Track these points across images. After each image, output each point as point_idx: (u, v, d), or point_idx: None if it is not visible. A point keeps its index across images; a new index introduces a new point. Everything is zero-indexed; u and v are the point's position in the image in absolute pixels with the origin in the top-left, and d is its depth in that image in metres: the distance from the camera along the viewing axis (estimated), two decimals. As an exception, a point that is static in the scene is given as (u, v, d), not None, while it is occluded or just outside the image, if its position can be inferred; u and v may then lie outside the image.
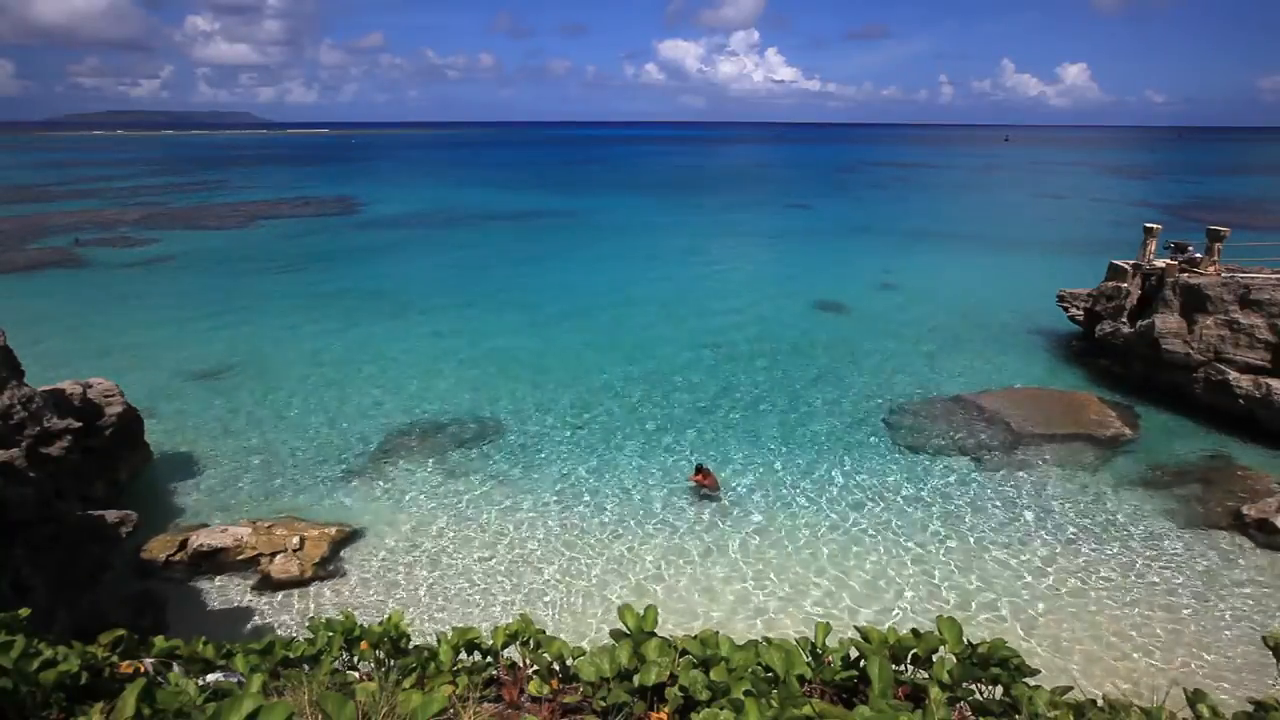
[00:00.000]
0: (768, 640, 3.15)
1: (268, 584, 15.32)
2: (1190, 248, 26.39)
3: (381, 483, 19.51)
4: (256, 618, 14.50)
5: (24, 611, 3.28)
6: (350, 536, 16.95)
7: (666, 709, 2.74)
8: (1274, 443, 21.11)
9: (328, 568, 15.81)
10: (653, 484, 19.38)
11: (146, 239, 58.84)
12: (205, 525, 17.16)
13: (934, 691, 2.68)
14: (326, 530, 16.80)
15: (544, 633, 3.51)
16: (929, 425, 22.73)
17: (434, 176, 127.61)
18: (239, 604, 14.93)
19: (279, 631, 13.90)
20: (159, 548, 16.18)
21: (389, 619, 3.77)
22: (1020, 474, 19.73)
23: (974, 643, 3.13)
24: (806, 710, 2.52)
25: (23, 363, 16.47)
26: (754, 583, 15.31)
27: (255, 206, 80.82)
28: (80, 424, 16.77)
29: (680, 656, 3.06)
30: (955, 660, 3.06)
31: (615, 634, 3.30)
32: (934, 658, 3.14)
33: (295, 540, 16.10)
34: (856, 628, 3.40)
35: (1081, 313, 29.67)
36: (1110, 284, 27.92)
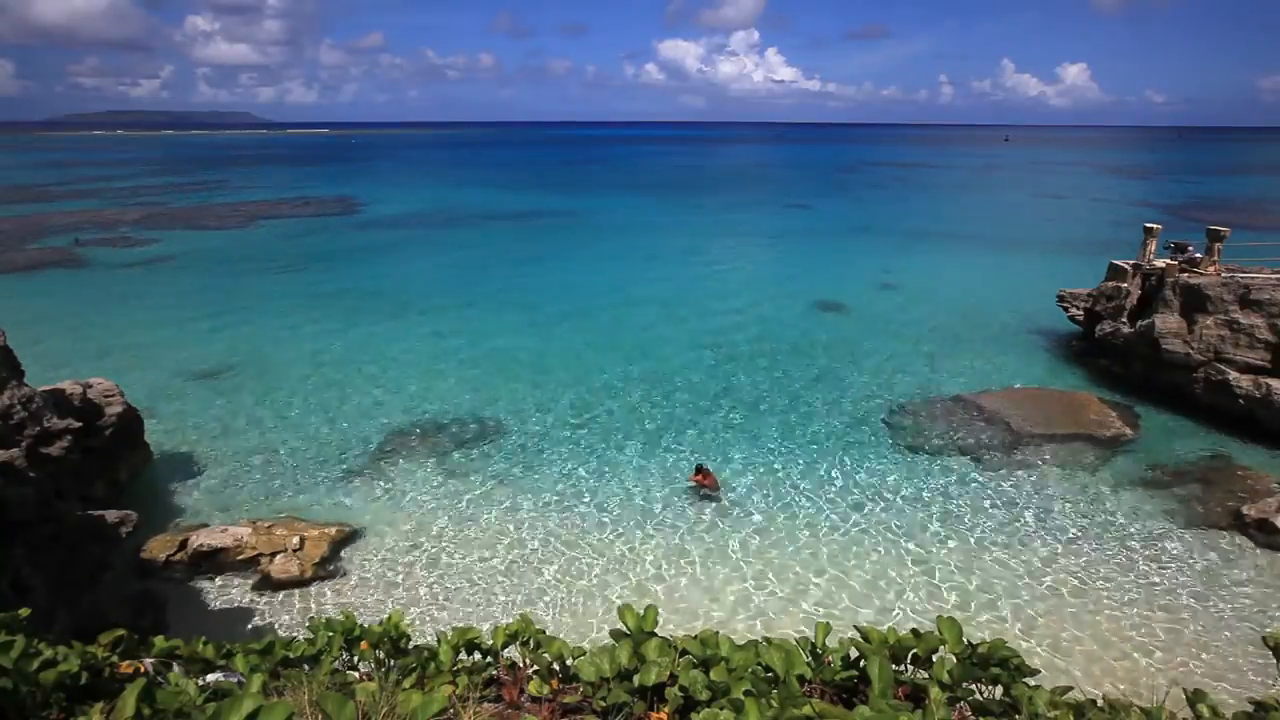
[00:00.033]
0: (768, 640, 3.15)
1: (268, 584, 15.32)
2: (1190, 248, 26.39)
3: (381, 483, 19.51)
4: (256, 618, 14.50)
5: (24, 611, 3.28)
6: (350, 536, 16.95)
7: (666, 709, 2.74)
8: (1274, 443, 21.11)
9: (328, 568, 15.82)
10: (653, 484, 19.38)
11: (146, 239, 58.84)
12: (205, 525, 17.16)
13: (934, 691, 2.68)
14: (326, 530, 16.80)
15: (544, 633, 3.52)
16: (929, 425, 22.73)
17: (434, 176, 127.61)
18: (239, 604, 14.93)
19: (279, 631, 13.91)
20: (159, 548, 16.18)
21: (389, 619, 3.77)
22: (1020, 474, 19.73)
23: (974, 643, 3.13)
24: (806, 710, 2.52)
25: (23, 363, 16.47)
26: (754, 583, 15.31)
27: (255, 206, 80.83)
28: (80, 424, 16.77)
29: (680, 656, 3.06)
30: (955, 660, 3.06)
31: (615, 634, 3.30)
32: (934, 658, 3.14)
33: (295, 540, 16.10)
34: (856, 628, 3.40)
35: (1081, 313, 29.67)
36: (1110, 284, 27.92)
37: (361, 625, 3.77)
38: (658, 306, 37.57)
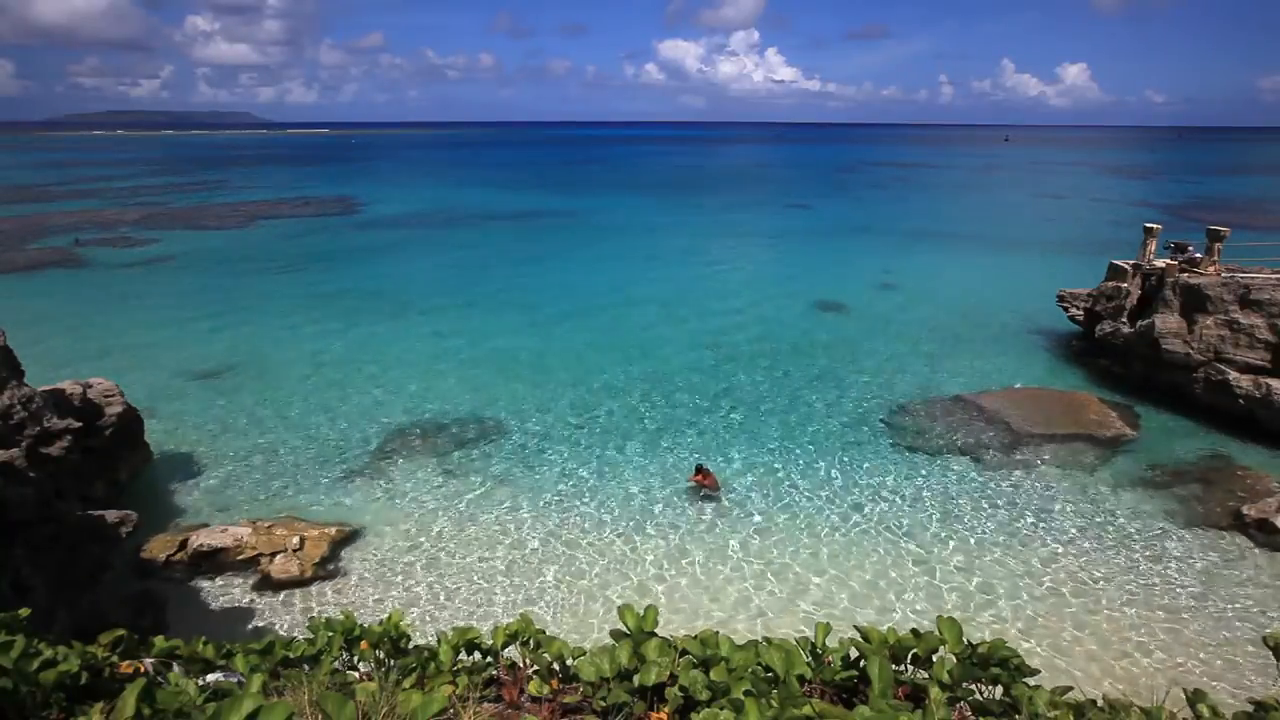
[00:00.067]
0: (768, 640, 3.15)
1: (268, 584, 15.32)
2: (1190, 248, 26.39)
3: (382, 483, 19.51)
4: (256, 618, 14.50)
5: (24, 611, 3.28)
6: (350, 536, 16.95)
7: (666, 709, 2.74)
8: (1274, 443, 21.11)
9: (328, 568, 15.82)
10: (653, 484, 19.38)
11: (146, 239, 58.84)
12: (205, 525, 17.16)
13: (934, 691, 2.68)
14: (326, 530, 16.80)
15: (544, 633, 3.51)
16: (929, 425, 22.73)
17: (434, 176, 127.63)
18: (239, 604, 14.94)
19: (279, 631, 13.92)
20: (159, 548, 16.19)
21: (389, 619, 3.77)
22: (1020, 474, 19.73)
23: (974, 643, 3.13)
24: (806, 710, 2.52)
25: (23, 363, 16.47)
26: (754, 582, 15.32)
27: (255, 206, 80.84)
28: (80, 424, 16.77)
29: (680, 656, 3.06)
30: (955, 660, 3.06)
31: (615, 634, 3.30)
32: (934, 658, 3.14)
33: (295, 540, 16.11)
34: (856, 628, 3.40)
35: (1081, 313, 29.67)
36: (1110, 284, 27.92)
37: (361, 625, 3.77)
38: (658, 306, 37.57)
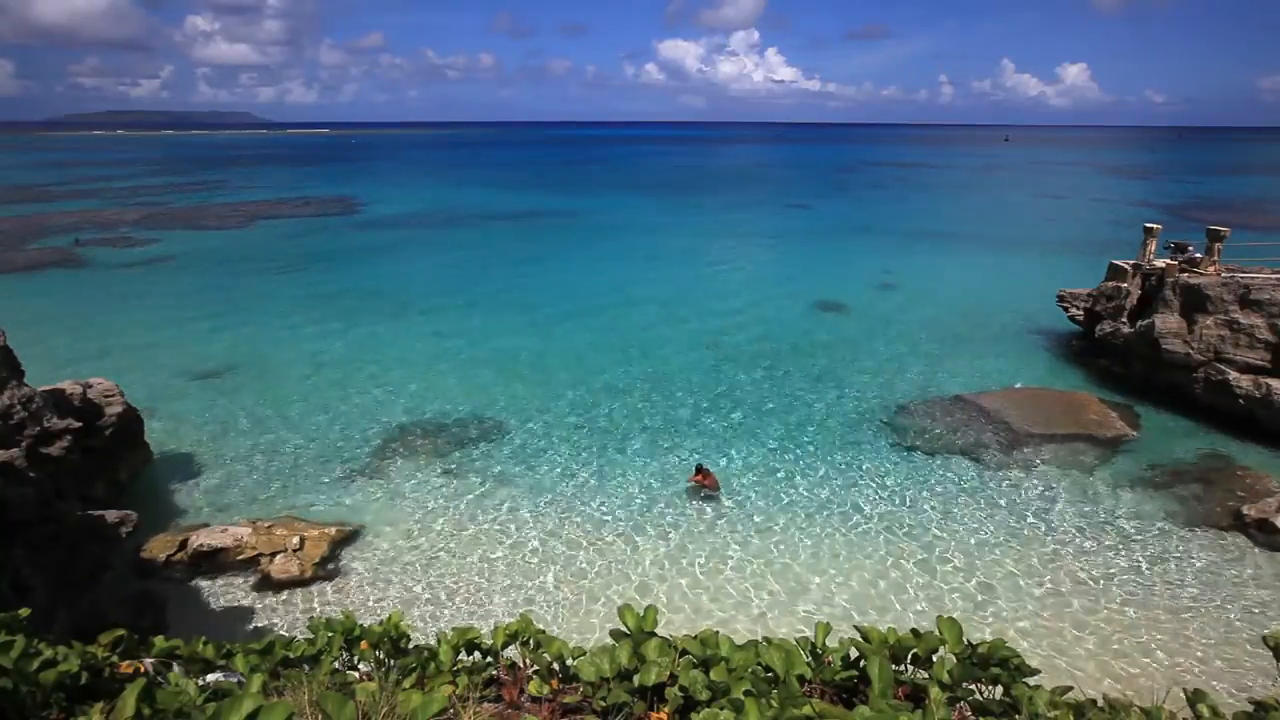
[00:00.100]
0: (768, 640, 3.14)
1: (268, 584, 15.32)
2: (1190, 248, 26.39)
3: (382, 483, 19.51)
4: (256, 618, 14.50)
5: (24, 611, 3.28)
6: (350, 536, 16.95)
7: (666, 709, 2.74)
8: (1274, 443, 21.11)
9: (328, 568, 15.82)
10: (653, 484, 19.38)
11: (146, 239, 58.85)
12: (205, 525, 17.16)
13: (934, 691, 2.68)
14: (326, 530, 16.80)
15: (544, 633, 3.51)
16: (929, 425, 22.73)
17: (434, 176, 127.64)
18: (239, 604, 14.94)
19: (279, 631, 13.91)
20: (159, 548, 16.19)
21: (389, 619, 3.77)
22: (1020, 474, 19.73)
23: (974, 643, 3.13)
24: (806, 710, 2.52)
25: (23, 363, 16.47)
26: (754, 582, 15.32)
27: (255, 206, 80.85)
28: (80, 424, 16.77)
29: (680, 656, 3.06)
30: (955, 660, 3.06)
31: (615, 634, 3.29)
32: (934, 658, 3.14)
33: (295, 540, 16.11)
34: (856, 627, 3.40)
35: (1081, 313, 29.68)
36: (1110, 284, 27.92)
37: (361, 625, 3.77)
38: (658, 306, 37.57)
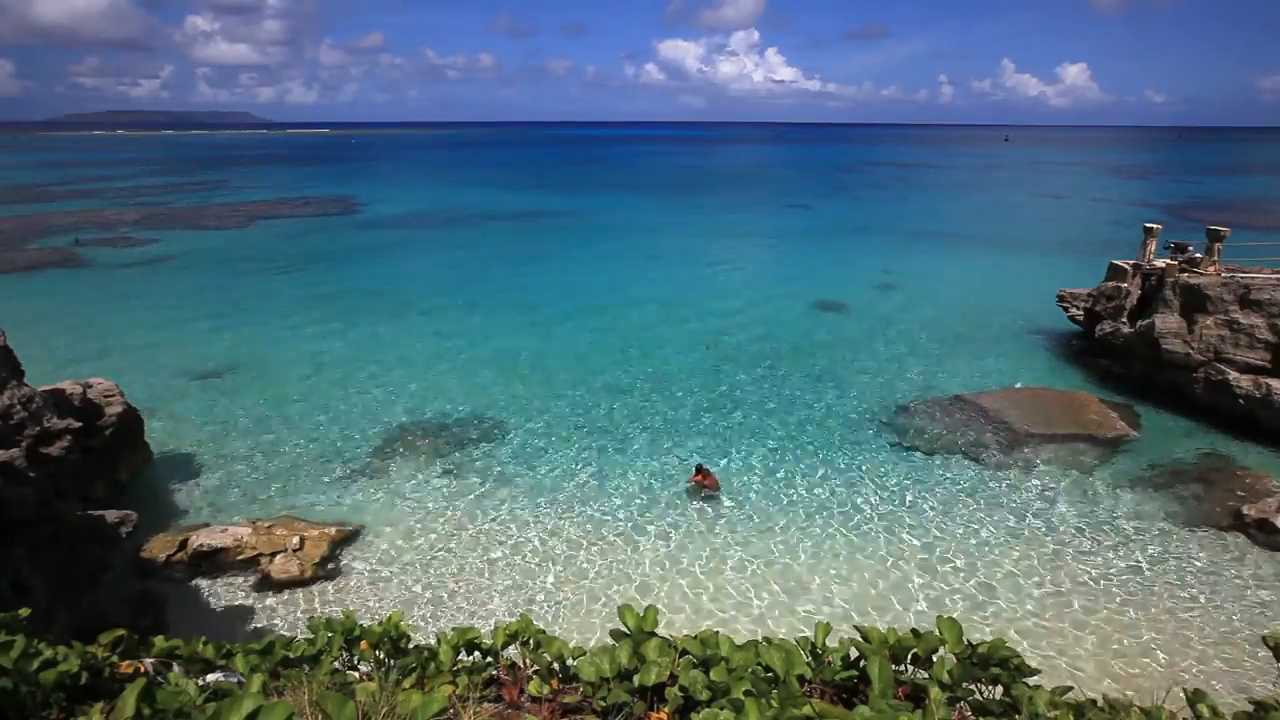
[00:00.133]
0: (768, 640, 3.15)
1: (268, 584, 15.32)
2: (1190, 248, 26.39)
3: (382, 483, 19.51)
4: (256, 618, 14.50)
5: (24, 611, 3.28)
6: (350, 536, 16.95)
7: (666, 709, 2.74)
8: (1274, 443, 21.11)
9: (328, 568, 15.82)
10: (653, 484, 19.38)
11: (146, 239, 58.85)
12: (205, 525, 17.16)
13: (934, 691, 2.68)
14: (326, 530, 16.80)
15: (544, 633, 3.51)
16: (929, 425, 22.73)
17: (434, 176, 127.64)
18: (239, 604, 14.94)
19: (279, 631, 13.91)
20: (159, 548, 16.19)
21: (389, 619, 3.77)
22: (1020, 474, 19.73)
23: (974, 643, 3.13)
24: (806, 710, 2.52)
25: (23, 363, 16.47)
26: (754, 582, 15.31)
27: (255, 206, 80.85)
28: (80, 424, 16.77)
29: (680, 656, 3.06)
30: (955, 660, 3.06)
31: (615, 634, 3.29)
32: (934, 658, 3.14)
33: (295, 540, 16.10)
34: (856, 628, 3.41)
35: (1081, 313, 29.68)
36: (1110, 284, 27.92)
37: (361, 625, 3.77)
38: (658, 306, 37.57)
